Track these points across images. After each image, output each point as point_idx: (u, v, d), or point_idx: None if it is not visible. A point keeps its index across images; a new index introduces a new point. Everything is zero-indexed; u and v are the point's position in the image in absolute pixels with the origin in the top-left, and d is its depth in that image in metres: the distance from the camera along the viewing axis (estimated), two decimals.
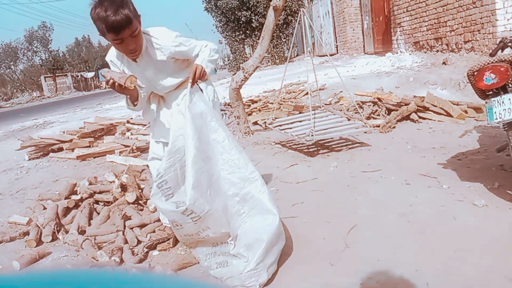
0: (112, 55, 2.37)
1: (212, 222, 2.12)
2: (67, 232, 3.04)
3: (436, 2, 9.26)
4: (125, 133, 6.19)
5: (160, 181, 2.15)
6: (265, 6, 20.43)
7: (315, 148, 4.64)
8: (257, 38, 20.66)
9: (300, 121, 4.91)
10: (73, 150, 5.69)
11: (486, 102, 2.80)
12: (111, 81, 2.12)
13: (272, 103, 6.84)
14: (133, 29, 2.09)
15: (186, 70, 2.46)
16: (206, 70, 2.29)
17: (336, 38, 16.73)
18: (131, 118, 6.85)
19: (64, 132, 6.79)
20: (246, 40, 23.59)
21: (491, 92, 2.80)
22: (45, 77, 39.27)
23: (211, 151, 2.18)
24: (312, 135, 4.20)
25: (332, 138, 4.72)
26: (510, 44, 3.06)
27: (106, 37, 2.12)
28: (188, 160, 2.07)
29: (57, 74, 40.23)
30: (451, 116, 5.19)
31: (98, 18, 2.04)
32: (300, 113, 5.69)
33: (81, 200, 3.43)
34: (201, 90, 2.43)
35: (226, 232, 2.17)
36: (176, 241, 2.74)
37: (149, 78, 2.40)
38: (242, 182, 2.20)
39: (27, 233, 3.07)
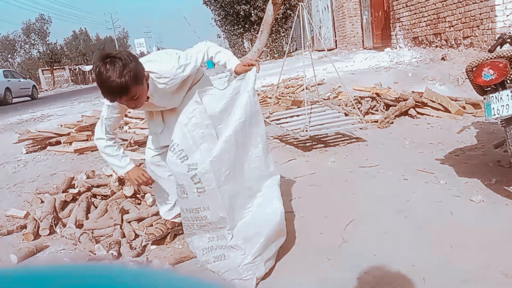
0: None
1: (213, 202, 2.17)
2: (64, 225, 3.04)
3: None
4: (122, 127, 6.17)
5: (172, 143, 2.24)
6: (264, 0, 20.36)
7: (312, 143, 4.64)
8: (256, 32, 20.58)
9: (298, 116, 4.91)
10: (70, 143, 5.68)
11: (484, 98, 2.80)
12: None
13: (270, 98, 6.83)
14: (131, 95, 2.00)
15: (190, 80, 2.42)
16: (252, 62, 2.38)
17: (335, 32, 16.68)
18: (129, 112, 6.83)
19: (61, 125, 6.76)
20: (245, 34, 23.53)
21: (489, 88, 2.80)
22: (42, 70, 39.07)
23: (248, 140, 2.25)
24: (306, 130, 4.20)
25: (327, 133, 4.72)
26: (509, 40, 3.06)
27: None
28: (222, 136, 2.16)
29: (54, 67, 40.02)
30: (449, 112, 5.20)
31: (97, 79, 1.98)
32: (298, 107, 5.68)
33: (79, 193, 3.43)
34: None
35: (224, 216, 2.19)
36: (174, 236, 2.74)
37: (162, 106, 2.37)
38: (259, 179, 2.28)
39: (24, 227, 3.07)
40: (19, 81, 20.52)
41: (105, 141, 2.34)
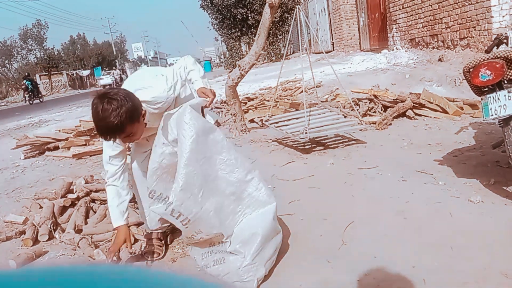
0: None
1: (203, 225, 2.14)
2: (63, 231, 3.03)
3: None
4: None
5: (148, 192, 2.21)
6: (261, 3, 20.42)
7: (311, 146, 4.64)
8: (253, 35, 20.61)
9: (297, 118, 4.91)
10: (69, 148, 5.67)
11: (481, 99, 2.81)
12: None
13: (268, 101, 6.84)
14: (127, 133, 2.07)
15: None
16: (211, 89, 2.32)
17: (332, 35, 16.72)
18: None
19: (60, 130, 6.76)
20: (242, 38, 23.57)
21: (486, 89, 2.81)
22: (40, 76, 39.03)
23: (210, 151, 2.17)
24: (306, 133, 4.20)
25: (327, 135, 4.73)
26: (505, 40, 3.07)
27: None
28: (181, 162, 2.07)
29: (52, 73, 39.97)
30: (447, 112, 5.21)
31: (94, 117, 2.01)
32: (296, 110, 5.69)
33: (78, 198, 3.42)
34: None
35: (219, 232, 2.17)
36: (172, 240, 2.74)
37: (155, 126, 2.36)
38: (239, 181, 2.21)
39: (23, 232, 3.06)
40: None
41: (114, 188, 2.37)
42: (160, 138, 2.22)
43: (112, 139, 2.08)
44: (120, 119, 1.95)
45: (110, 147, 2.31)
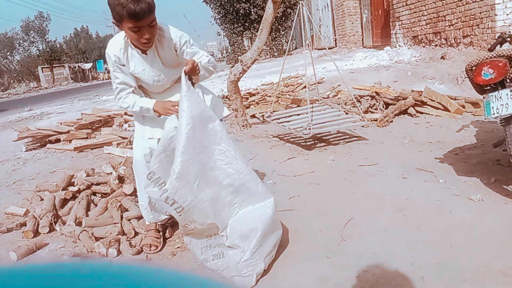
0: (115, 49, 2.32)
1: (197, 214, 2.12)
2: (64, 223, 3.04)
3: None
4: (122, 125, 6.17)
5: (148, 172, 2.16)
6: None
7: (312, 142, 4.64)
8: (255, 30, 20.57)
9: (298, 115, 4.91)
10: (70, 141, 5.68)
11: (483, 97, 2.81)
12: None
13: (270, 96, 6.83)
14: (152, 18, 2.10)
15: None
16: (199, 67, 2.28)
17: (335, 31, 16.68)
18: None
19: (61, 123, 6.76)
20: (244, 33, 23.50)
21: (489, 87, 2.80)
22: (42, 68, 39.03)
23: (208, 140, 2.15)
24: (309, 129, 4.20)
25: (329, 131, 4.73)
26: (508, 39, 3.06)
27: (122, 23, 2.11)
28: (177, 150, 2.05)
29: (54, 65, 39.97)
30: (448, 110, 5.20)
31: (119, 3, 2.02)
32: (298, 106, 5.68)
33: (79, 191, 3.43)
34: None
35: (213, 223, 2.16)
36: (172, 232, 2.75)
37: (155, 71, 2.39)
38: (237, 173, 2.19)
39: (24, 224, 3.07)
40: None
41: (122, 99, 2.40)
42: (173, 121, 2.21)
43: (139, 21, 2.07)
44: None
45: (118, 76, 2.35)
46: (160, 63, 2.38)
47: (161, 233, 2.67)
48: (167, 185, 2.06)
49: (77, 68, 41.56)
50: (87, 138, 5.76)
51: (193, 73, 2.23)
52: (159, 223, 2.67)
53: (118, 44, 2.31)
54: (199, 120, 2.11)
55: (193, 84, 2.25)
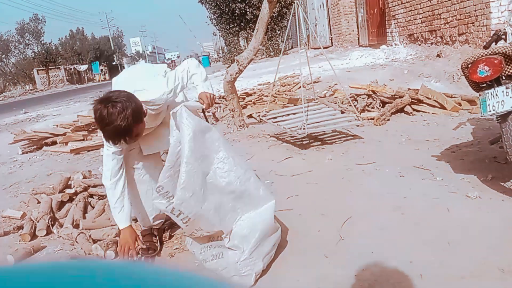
0: None
1: (204, 223, 2.14)
2: (61, 226, 3.03)
3: None
4: None
5: (157, 186, 2.20)
6: None
7: (309, 141, 4.64)
8: (251, 30, 20.55)
9: (294, 114, 4.91)
10: (66, 143, 5.66)
11: (479, 95, 2.81)
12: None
13: (267, 96, 6.82)
14: (134, 134, 2.08)
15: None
16: (213, 94, 2.34)
17: (330, 30, 16.70)
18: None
19: (57, 125, 6.74)
20: (240, 33, 23.49)
21: (484, 85, 2.81)
22: (37, 70, 38.86)
23: (207, 149, 2.17)
24: (304, 128, 4.20)
25: (324, 131, 4.73)
26: (504, 36, 3.07)
27: None
28: (182, 160, 2.08)
29: (50, 67, 39.79)
30: (445, 108, 5.21)
31: (99, 123, 2.01)
32: (294, 105, 5.68)
33: (75, 194, 3.42)
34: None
35: (219, 230, 2.18)
36: (170, 236, 2.74)
37: (149, 127, 2.40)
38: (238, 180, 2.21)
39: (21, 227, 3.06)
40: None
41: (110, 184, 2.36)
42: (173, 134, 2.22)
43: (119, 142, 2.08)
44: (127, 121, 1.96)
45: (110, 156, 2.32)
46: (154, 123, 2.43)
47: (157, 237, 2.66)
48: (174, 199, 2.09)
49: (72, 70, 41.40)
50: (83, 140, 5.75)
51: (212, 105, 2.31)
52: (154, 227, 2.67)
53: None
54: (198, 130, 2.13)
55: (206, 118, 2.34)
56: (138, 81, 2.29)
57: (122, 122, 1.95)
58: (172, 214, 2.11)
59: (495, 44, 3.09)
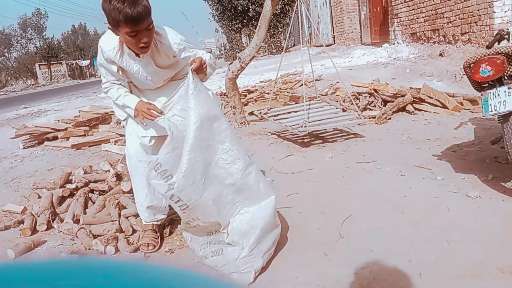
0: (109, 46, 2.26)
1: (201, 213, 2.13)
2: (62, 221, 3.03)
3: None
4: (120, 122, 6.15)
5: (156, 162, 2.14)
6: None
7: (310, 139, 4.64)
8: (254, 27, 20.55)
9: (295, 112, 4.91)
10: (68, 138, 5.67)
11: (481, 94, 2.81)
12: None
13: (268, 93, 6.82)
14: (149, 21, 2.05)
15: (181, 64, 2.44)
16: (206, 64, 2.28)
17: (333, 28, 16.67)
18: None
19: (59, 120, 6.75)
20: (242, 29, 23.48)
21: (487, 84, 2.81)
22: (39, 65, 38.88)
23: (212, 139, 2.15)
24: (305, 126, 4.20)
25: (325, 129, 4.72)
26: (506, 36, 3.06)
27: (119, 28, 2.05)
28: (185, 148, 2.06)
29: (51, 62, 39.83)
30: (446, 108, 5.20)
31: (114, 8, 1.96)
32: (296, 103, 5.68)
33: (76, 189, 3.42)
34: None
35: (216, 221, 2.18)
36: (170, 232, 2.75)
37: (148, 73, 2.36)
38: (239, 173, 2.19)
39: (21, 222, 3.07)
40: None
41: (109, 89, 2.40)
42: (176, 108, 2.21)
43: (137, 25, 2.01)
44: (144, 2, 2.00)
45: (109, 74, 2.36)
46: (153, 65, 2.34)
47: (158, 233, 2.66)
48: (173, 179, 2.07)
49: (74, 65, 41.42)
50: (84, 135, 5.75)
51: (200, 71, 2.22)
52: (155, 223, 2.67)
53: (112, 42, 2.25)
54: (206, 118, 2.11)
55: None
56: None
57: (142, 2, 1.98)
58: (171, 200, 2.11)
59: (498, 44, 3.08)
